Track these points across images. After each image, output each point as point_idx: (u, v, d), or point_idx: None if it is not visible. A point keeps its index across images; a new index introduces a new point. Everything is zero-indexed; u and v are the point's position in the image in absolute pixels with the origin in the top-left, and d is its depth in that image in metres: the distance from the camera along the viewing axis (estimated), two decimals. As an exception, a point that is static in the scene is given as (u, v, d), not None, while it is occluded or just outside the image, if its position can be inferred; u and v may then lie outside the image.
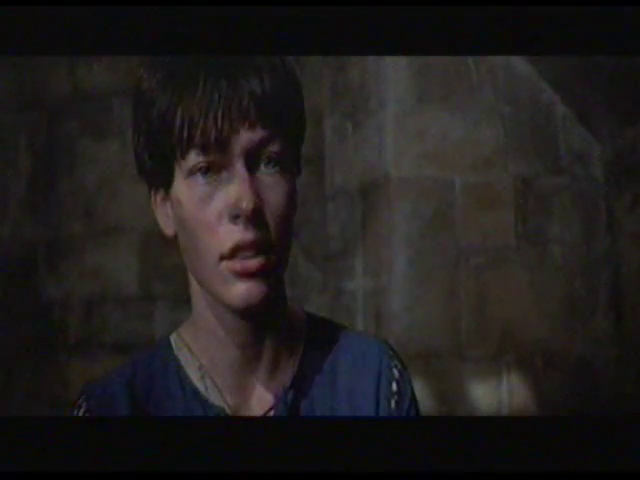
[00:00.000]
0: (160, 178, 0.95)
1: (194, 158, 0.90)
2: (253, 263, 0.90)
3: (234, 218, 0.89)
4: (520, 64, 2.74)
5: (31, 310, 3.33)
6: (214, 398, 0.97)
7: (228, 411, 0.97)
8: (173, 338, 1.02)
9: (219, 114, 0.88)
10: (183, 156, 0.90)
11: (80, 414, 0.98)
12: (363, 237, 2.77)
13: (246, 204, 0.88)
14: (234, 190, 0.89)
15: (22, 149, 3.40)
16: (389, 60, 2.64)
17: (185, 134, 0.89)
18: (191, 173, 0.91)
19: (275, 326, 0.99)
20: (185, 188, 0.92)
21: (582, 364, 2.75)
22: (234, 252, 0.90)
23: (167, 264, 3.03)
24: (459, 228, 2.67)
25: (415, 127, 2.66)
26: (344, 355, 1.03)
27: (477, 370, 2.66)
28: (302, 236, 2.92)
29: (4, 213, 3.39)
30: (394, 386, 1.02)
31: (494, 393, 2.67)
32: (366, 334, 1.11)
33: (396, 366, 1.03)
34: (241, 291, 0.90)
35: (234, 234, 0.90)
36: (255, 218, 0.89)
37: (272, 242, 0.91)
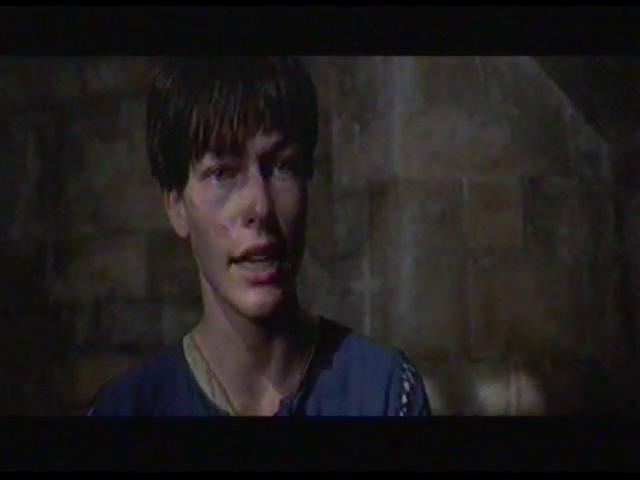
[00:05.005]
0: (174, 178, 0.94)
1: (209, 161, 0.89)
2: (265, 274, 0.89)
3: (248, 222, 0.89)
4: (528, 64, 2.73)
5: (39, 311, 3.33)
6: (219, 402, 0.97)
7: (232, 415, 0.96)
8: (186, 340, 1.02)
9: (235, 118, 0.88)
10: (198, 158, 0.90)
11: (89, 414, 0.98)
12: (371, 238, 2.77)
13: (260, 208, 0.88)
14: (248, 194, 0.89)
15: (30, 150, 3.40)
16: (396, 60, 2.63)
17: (200, 136, 0.89)
18: (205, 175, 0.90)
19: (286, 329, 0.98)
20: (199, 190, 0.91)
21: (590, 365, 2.74)
22: (245, 256, 0.90)
23: (175, 265, 3.03)
24: (467, 229, 2.67)
25: (423, 128, 2.66)
26: (356, 365, 1.01)
27: (485, 371, 2.65)
28: (309, 237, 2.91)
29: (12, 214, 3.39)
30: (404, 398, 1.00)
31: (502, 394, 2.66)
32: (380, 343, 1.09)
33: (408, 379, 1.01)
34: (254, 299, 0.90)
35: (247, 238, 0.89)
36: (269, 222, 0.89)
37: (285, 247, 0.91)
